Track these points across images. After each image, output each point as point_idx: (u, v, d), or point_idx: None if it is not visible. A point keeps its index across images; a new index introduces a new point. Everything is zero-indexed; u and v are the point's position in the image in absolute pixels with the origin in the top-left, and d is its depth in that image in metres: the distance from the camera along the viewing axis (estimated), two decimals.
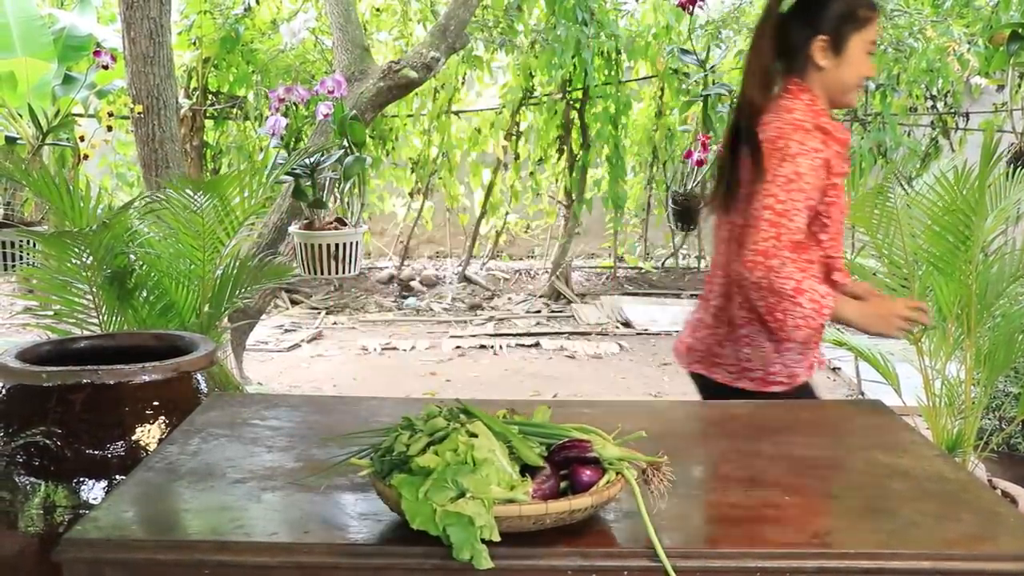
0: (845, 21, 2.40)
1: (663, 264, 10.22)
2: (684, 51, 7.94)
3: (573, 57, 8.09)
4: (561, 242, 9.15)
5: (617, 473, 1.52)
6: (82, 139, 6.60)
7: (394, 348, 7.25)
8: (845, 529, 1.55)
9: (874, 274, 3.66)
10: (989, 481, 3.77)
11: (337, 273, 4.16)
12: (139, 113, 4.70)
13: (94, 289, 3.51)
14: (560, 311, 8.52)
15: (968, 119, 9.00)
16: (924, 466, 1.83)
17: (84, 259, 3.43)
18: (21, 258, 4.76)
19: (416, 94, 8.15)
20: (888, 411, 2.22)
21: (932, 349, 3.59)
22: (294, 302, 8.73)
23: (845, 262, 2.63)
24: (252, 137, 8.08)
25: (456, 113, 9.24)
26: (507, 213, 9.88)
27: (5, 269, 4.52)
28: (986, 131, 7.79)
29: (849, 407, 2.58)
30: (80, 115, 7.01)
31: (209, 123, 8.24)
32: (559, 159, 9.11)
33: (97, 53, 5.70)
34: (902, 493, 1.70)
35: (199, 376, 2.43)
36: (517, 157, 9.28)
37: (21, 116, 5.82)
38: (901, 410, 2.73)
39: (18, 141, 5.60)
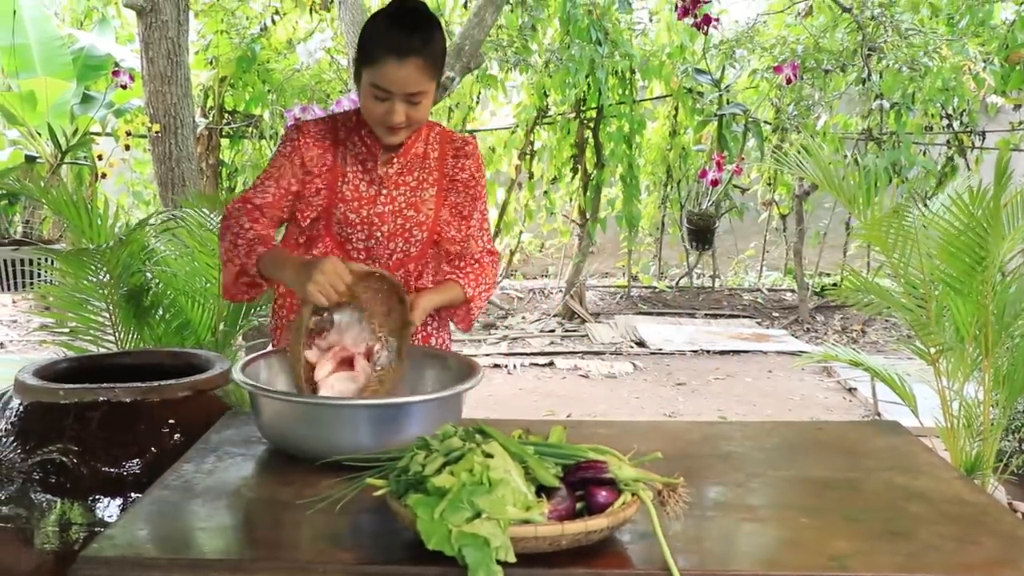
0: (359, 54, 2.33)
1: (677, 283, 10.20)
2: (699, 71, 7.97)
3: (587, 76, 8.10)
4: (575, 261, 9.14)
5: (633, 494, 1.52)
6: (100, 158, 6.65)
7: None
8: (863, 552, 1.54)
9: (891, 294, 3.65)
10: (1009, 504, 3.75)
11: None
12: (156, 132, 4.73)
13: (111, 307, 3.52)
14: (574, 330, 8.51)
15: (984, 138, 8.98)
16: (943, 488, 1.82)
17: (101, 277, 3.45)
18: (39, 275, 4.79)
19: (431, 113, 8.17)
20: (906, 432, 2.21)
21: (950, 370, 3.57)
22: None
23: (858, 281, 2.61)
24: (267, 156, 8.11)
25: (471, 132, 9.26)
26: (521, 232, 9.88)
27: (23, 286, 4.54)
28: (1000, 150, 7.81)
29: (866, 428, 2.56)
30: (98, 134, 7.07)
31: (225, 142, 8.28)
32: (573, 178, 9.11)
33: (115, 73, 5.75)
34: (920, 516, 1.69)
35: (215, 394, 2.43)
36: (531, 176, 9.29)
37: (40, 135, 5.86)
38: (918, 431, 2.71)
39: (37, 160, 5.64)
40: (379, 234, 2.42)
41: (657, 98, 9.24)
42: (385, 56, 2.24)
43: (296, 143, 2.44)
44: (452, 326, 2.67)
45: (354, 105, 4.25)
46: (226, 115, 8.17)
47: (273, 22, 7.77)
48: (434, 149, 2.48)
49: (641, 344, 7.94)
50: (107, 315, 3.54)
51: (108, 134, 7.04)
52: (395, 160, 2.44)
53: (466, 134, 2.45)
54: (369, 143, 2.43)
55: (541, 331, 8.47)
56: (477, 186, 2.51)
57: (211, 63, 7.73)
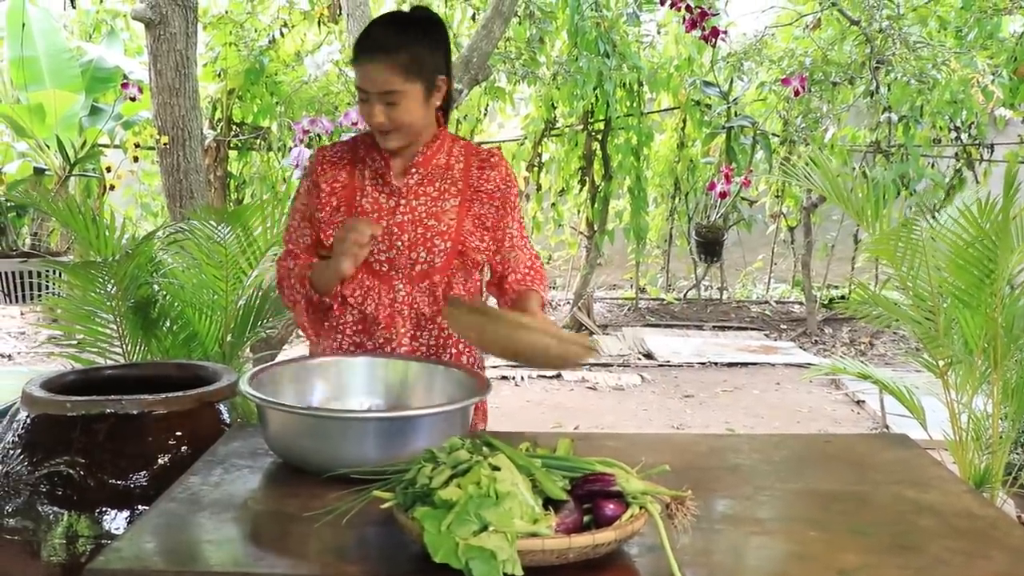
0: None
1: (685, 295, 10.19)
2: (707, 83, 7.97)
3: (595, 89, 8.11)
4: (583, 273, 9.14)
5: (641, 507, 1.51)
6: (108, 169, 6.67)
7: None
8: (871, 566, 1.53)
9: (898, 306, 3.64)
10: (1018, 518, 3.73)
11: None
12: (164, 144, 4.74)
13: (118, 319, 3.53)
14: None
15: (993, 150, 8.97)
16: (952, 502, 1.81)
17: (108, 289, 3.46)
18: (47, 288, 4.80)
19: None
20: (914, 445, 2.20)
21: (958, 382, 3.56)
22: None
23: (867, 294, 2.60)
24: (275, 168, 8.13)
25: (479, 144, 9.26)
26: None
27: (31, 299, 4.55)
28: (1009, 163, 7.79)
29: (875, 441, 2.56)
30: (106, 146, 7.09)
31: (233, 154, 8.29)
32: (581, 190, 9.12)
33: (124, 85, 5.77)
34: (930, 529, 1.68)
35: (222, 406, 2.43)
36: (539, 188, 9.29)
37: (49, 147, 5.88)
38: (927, 444, 2.71)
39: (46, 172, 5.66)
40: (399, 244, 2.41)
41: (665, 110, 9.25)
42: (358, 55, 2.33)
43: (311, 169, 2.52)
44: None
45: (362, 118, 4.27)
46: (234, 127, 8.19)
47: (281, 35, 7.79)
48: (458, 161, 2.49)
49: (649, 356, 7.93)
50: (114, 327, 3.55)
51: (116, 146, 7.07)
52: (414, 171, 2.45)
53: (492, 147, 2.46)
54: (385, 156, 2.46)
55: None
56: (506, 197, 2.50)
57: (219, 75, 7.75)
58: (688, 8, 5.60)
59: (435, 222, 2.42)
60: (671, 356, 7.87)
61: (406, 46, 2.31)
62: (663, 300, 10.16)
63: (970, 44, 7.59)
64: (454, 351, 2.49)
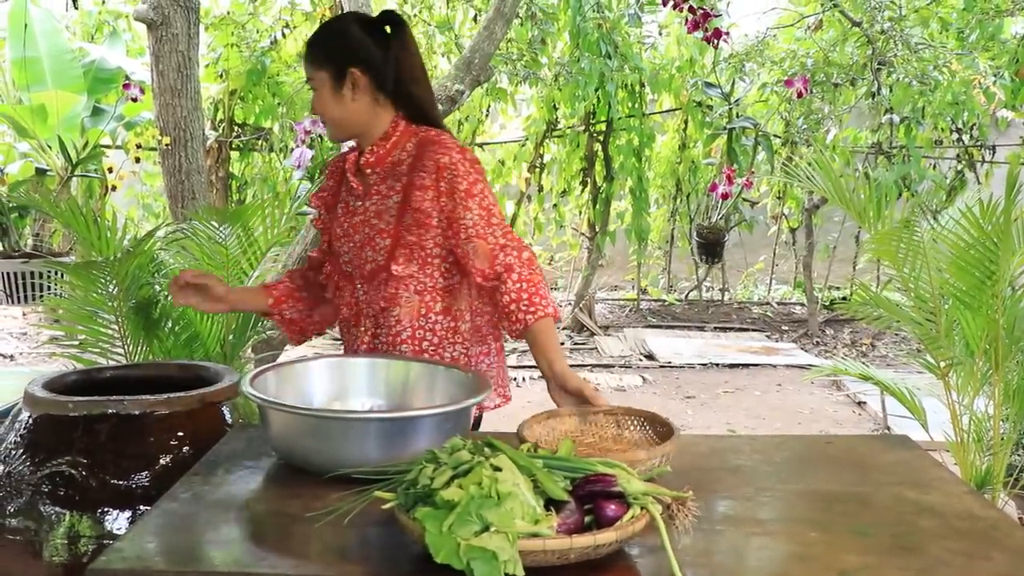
0: None
1: (687, 296, 10.19)
2: (708, 84, 7.97)
3: (597, 90, 8.12)
4: (584, 274, 9.14)
5: (642, 508, 1.51)
6: (110, 170, 6.67)
7: None
8: (872, 567, 1.53)
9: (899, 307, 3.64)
10: (1020, 519, 3.73)
11: None
12: (166, 145, 4.75)
13: (119, 319, 3.53)
14: (583, 343, 8.50)
15: (994, 152, 8.97)
16: (953, 503, 1.81)
17: (110, 289, 3.46)
18: (48, 288, 4.80)
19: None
20: (915, 446, 2.20)
21: (959, 384, 3.56)
22: (318, 332, 8.73)
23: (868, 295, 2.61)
24: (277, 168, 8.14)
25: (480, 145, 9.28)
26: (530, 245, 9.87)
27: (33, 299, 4.56)
28: (1011, 164, 7.79)
29: (876, 442, 2.56)
30: (108, 147, 7.09)
31: (235, 154, 8.30)
32: (582, 191, 9.12)
33: (126, 86, 5.77)
34: (931, 531, 1.68)
35: (224, 407, 2.43)
36: (540, 189, 9.30)
37: (51, 148, 5.89)
38: (928, 445, 2.70)
39: (48, 172, 5.67)
40: (351, 244, 2.50)
41: (667, 111, 9.25)
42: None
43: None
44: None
45: None
46: (236, 128, 8.20)
47: (283, 35, 7.80)
48: (410, 155, 2.47)
49: (650, 357, 7.93)
50: (116, 328, 3.55)
51: (118, 147, 7.07)
52: (369, 171, 2.50)
53: (444, 133, 2.48)
54: (353, 159, 2.55)
55: None
56: (453, 186, 2.38)
57: (221, 76, 7.76)
58: (690, 9, 5.58)
59: (377, 220, 2.45)
60: (672, 357, 7.88)
61: (326, 36, 2.47)
62: (664, 301, 10.16)
63: (972, 45, 7.59)
64: (406, 349, 2.48)
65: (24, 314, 9.04)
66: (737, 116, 7.98)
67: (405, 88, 2.47)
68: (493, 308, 2.49)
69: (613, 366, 7.66)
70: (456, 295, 2.50)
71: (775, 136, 8.21)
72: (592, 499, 1.52)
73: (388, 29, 2.46)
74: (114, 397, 2.30)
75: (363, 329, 2.52)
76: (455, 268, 2.47)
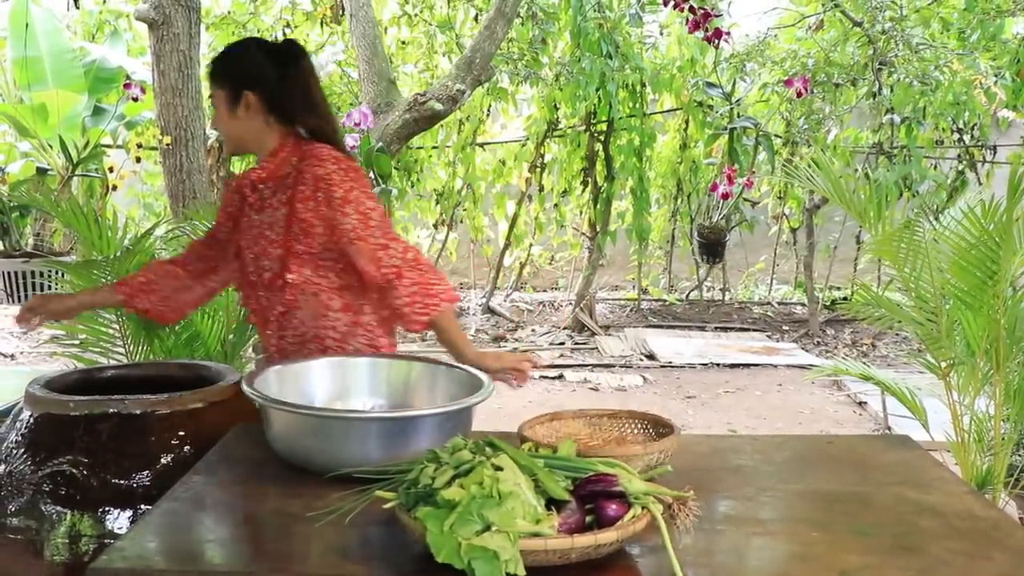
0: None
1: (687, 296, 10.19)
2: (709, 84, 7.97)
3: (598, 89, 8.11)
4: (585, 274, 9.13)
5: (643, 508, 1.51)
6: (111, 170, 6.68)
7: None
8: (873, 567, 1.53)
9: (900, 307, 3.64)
10: (1020, 519, 3.73)
11: None
12: (167, 144, 4.75)
13: (120, 318, 3.53)
14: (584, 343, 8.50)
15: (995, 152, 8.96)
16: (954, 503, 1.81)
17: None
18: (49, 287, 4.81)
19: (441, 126, 8.19)
20: (916, 446, 2.21)
21: (960, 384, 3.56)
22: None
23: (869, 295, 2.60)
24: None
25: (481, 145, 9.28)
26: (531, 245, 9.88)
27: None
28: (1012, 164, 7.79)
29: (877, 442, 2.56)
30: (109, 146, 7.10)
31: None
32: (583, 191, 9.11)
33: (127, 85, 5.78)
34: (931, 530, 1.68)
35: (224, 406, 2.43)
36: (541, 189, 9.30)
37: (52, 147, 5.90)
38: (929, 445, 2.70)
39: (49, 172, 5.67)
40: (251, 256, 2.65)
41: (667, 111, 9.24)
42: None
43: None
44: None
45: (364, 118, 4.28)
46: None
47: (284, 35, 7.80)
48: (295, 169, 2.60)
49: (651, 357, 7.93)
50: (117, 327, 3.55)
51: (119, 146, 7.08)
52: (260, 186, 2.64)
53: (324, 146, 2.61)
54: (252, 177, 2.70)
55: (551, 344, 8.47)
56: (330, 194, 2.52)
57: None
58: (691, 9, 5.59)
59: (270, 232, 2.60)
60: (673, 357, 7.87)
61: (227, 58, 2.66)
62: (665, 301, 10.15)
63: (973, 46, 7.59)
64: (312, 347, 2.62)
65: None
66: (738, 116, 7.97)
67: (299, 115, 2.63)
68: (389, 309, 2.59)
69: (614, 366, 7.66)
70: (355, 291, 2.62)
71: (776, 136, 8.21)
72: (593, 499, 1.52)
73: (287, 57, 2.62)
74: (115, 396, 2.30)
75: (270, 332, 2.69)
76: (350, 268, 2.58)
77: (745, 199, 8.70)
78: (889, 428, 5.70)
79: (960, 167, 9.00)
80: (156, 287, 2.82)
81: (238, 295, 2.91)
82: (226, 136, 2.67)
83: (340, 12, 7.56)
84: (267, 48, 2.66)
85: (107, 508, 2.18)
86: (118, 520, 2.17)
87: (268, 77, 2.58)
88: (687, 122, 9.14)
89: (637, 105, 8.67)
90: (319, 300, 2.59)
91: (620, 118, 8.62)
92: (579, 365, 7.67)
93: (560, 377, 7.26)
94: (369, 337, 2.65)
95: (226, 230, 2.76)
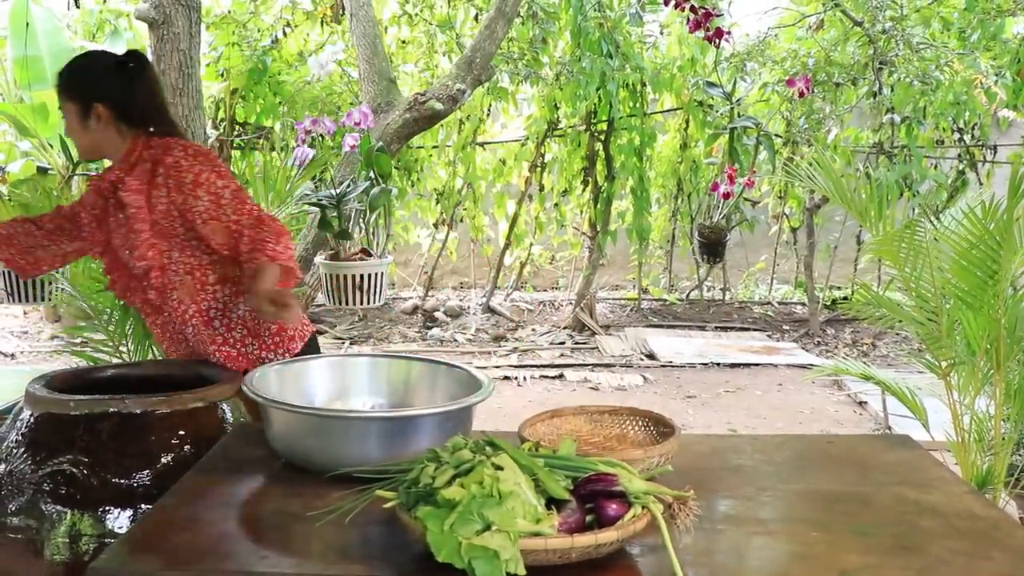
0: None
1: (688, 296, 10.19)
2: (710, 83, 7.96)
3: (598, 89, 8.11)
4: (585, 273, 9.14)
5: (643, 507, 1.51)
6: None
7: None
8: (873, 567, 1.53)
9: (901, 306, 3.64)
10: (1021, 519, 3.72)
11: (362, 304, 4.16)
12: None
13: (121, 318, 3.53)
14: (584, 343, 8.50)
15: (996, 152, 8.96)
16: (954, 503, 1.81)
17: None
18: (50, 287, 4.80)
19: (441, 125, 8.19)
20: (916, 446, 2.20)
21: (961, 383, 3.56)
22: (318, 332, 8.75)
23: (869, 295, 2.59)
24: (278, 167, 8.13)
25: (481, 144, 9.28)
26: (531, 244, 9.89)
27: (34, 298, 4.56)
28: (1013, 163, 7.79)
29: (877, 442, 2.56)
30: None
31: (236, 153, 8.30)
32: (584, 190, 9.12)
33: None
34: (932, 530, 1.68)
35: (225, 406, 2.43)
36: (542, 188, 9.30)
37: (52, 146, 5.89)
38: (929, 445, 2.70)
39: (49, 171, 5.66)
40: (126, 253, 2.74)
41: (668, 111, 9.25)
42: None
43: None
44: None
45: (364, 118, 4.27)
46: (237, 127, 8.20)
47: (284, 35, 7.80)
48: (149, 163, 2.71)
49: (651, 356, 7.93)
50: (117, 326, 3.55)
51: None
52: (122, 188, 2.70)
53: (171, 139, 2.77)
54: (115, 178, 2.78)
55: (551, 343, 8.47)
56: (179, 181, 2.63)
57: (222, 75, 7.76)
58: (692, 9, 5.58)
59: (137, 225, 2.68)
60: (673, 356, 7.88)
61: (75, 72, 2.76)
62: (666, 301, 10.16)
63: (973, 45, 7.58)
64: (196, 322, 2.75)
65: (25, 313, 9.05)
66: (738, 116, 7.96)
67: (148, 119, 2.76)
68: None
69: (614, 365, 7.66)
70: (227, 264, 2.75)
71: (776, 136, 8.20)
72: (593, 498, 1.52)
73: (131, 67, 2.72)
74: (115, 396, 2.30)
75: (160, 320, 2.84)
76: None
77: (745, 199, 8.70)
78: (889, 428, 5.70)
79: (960, 167, 9.00)
80: (15, 240, 2.88)
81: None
82: (80, 146, 2.80)
83: (340, 11, 7.56)
84: (112, 59, 2.76)
85: (107, 508, 2.18)
86: (118, 520, 2.17)
87: (116, 88, 2.71)
88: (687, 122, 9.14)
89: (637, 105, 8.67)
90: (193, 278, 2.73)
91: (620, 118, 8.63)
92: (579, 365, 7.68)
93: (560, 377, 7.26)
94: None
95: (90, 228, 2.82)
